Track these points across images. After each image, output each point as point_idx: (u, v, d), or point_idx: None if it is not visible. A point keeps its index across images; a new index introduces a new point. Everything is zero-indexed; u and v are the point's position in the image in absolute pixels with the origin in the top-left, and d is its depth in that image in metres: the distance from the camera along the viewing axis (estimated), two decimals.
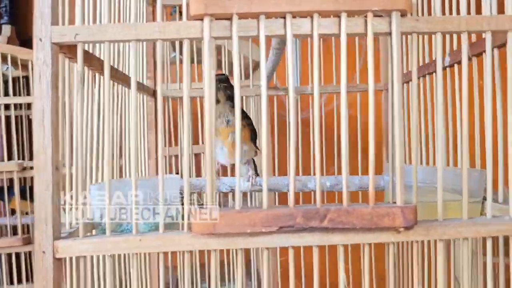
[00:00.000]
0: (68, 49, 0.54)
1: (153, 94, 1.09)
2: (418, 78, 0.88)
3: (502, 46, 0.59)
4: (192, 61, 1.65)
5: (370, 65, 0.49)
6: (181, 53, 1.49)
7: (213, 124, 0.50)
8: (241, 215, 0.48)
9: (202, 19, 0.49)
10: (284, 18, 0.49)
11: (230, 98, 0.86)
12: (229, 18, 0.49)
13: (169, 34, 0.50)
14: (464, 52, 0.53)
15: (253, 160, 0.98)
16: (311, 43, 1.16)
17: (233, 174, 1.05)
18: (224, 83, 0.85)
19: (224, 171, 1.06)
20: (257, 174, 0.98)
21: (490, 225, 0.52)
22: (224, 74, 0.89)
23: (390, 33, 0.50)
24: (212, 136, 0.50)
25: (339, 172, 1.15)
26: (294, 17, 0.49)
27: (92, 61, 0.60)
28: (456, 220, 0.53)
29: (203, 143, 1.03)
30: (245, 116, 0.87)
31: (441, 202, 0.53)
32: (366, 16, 0.49)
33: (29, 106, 1.53)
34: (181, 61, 1.63)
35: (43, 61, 0.50)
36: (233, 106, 0.86)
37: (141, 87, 1.03)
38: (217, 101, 0.86)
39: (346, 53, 0.50)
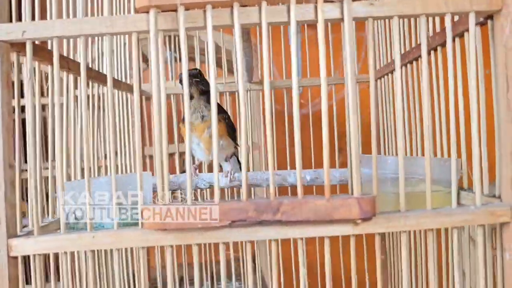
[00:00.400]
0: (22, 47, 0.53)
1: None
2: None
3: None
4: (193, 59, 1.64)
5: (322, 56, 0.48)
6: (175, 51, 1.49)
7: (163, 123, 0.49)
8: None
9: (149, 12, 0.48)
10: (232, 7, 0.48)
11: (204, 93, 0.85)
12: (176, 10, 0.48)
13: (117, 28, 0.49)
14: (423, 38, 0.51)
15: (236, 156, 0.96)
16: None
17: (211, 170, 1.04)
18: (196, 78, 0.84)
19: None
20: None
21: (454, 215, 0.50)
22: (196, 69, 0.88)
23: (342, 20, 0.48)
24: (163, 133, 0.49)
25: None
26: (242, 6, 0.48)
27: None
28: (419, 211, 0.51)
29: (181, 142, 1.03)
30: (221, 110, 0.86)
31: (403, 193, 0.51)
32: (316, 2, 0.48)
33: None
34: (176, 60, 1.63)
35: None
36: (208, 101, 0.85)
37: (124, 86, 1.03)
38: (191, 97, 0.85)
39: (297, 41, 0.48)
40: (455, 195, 0.52)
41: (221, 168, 0.99)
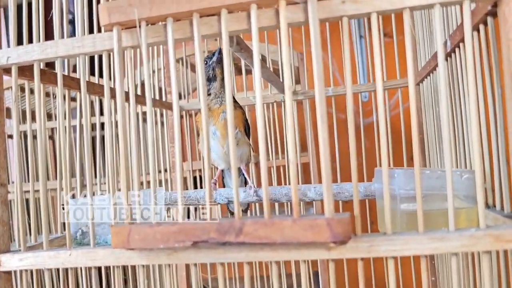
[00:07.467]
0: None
1: None
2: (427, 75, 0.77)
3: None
4: (240, 72, 1.65)
5: (286, 64, 0.44)
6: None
7: (134, 140, 0.49)
8: (152, 229, 0.46)
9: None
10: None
11: None
12: (139, 25, 0.48)
13: (87, 48, 0.50)
14: (407, 27, 0.44)
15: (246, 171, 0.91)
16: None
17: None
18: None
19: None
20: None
21: (449, 240, 0.43)
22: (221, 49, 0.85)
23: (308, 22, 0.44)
24: (128, 141, 0.49)
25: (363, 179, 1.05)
26: (201, 16, 0.46)
27: (51, 78, 0.62)
28: (407, 234, 0.44)
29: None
30: (238, 105, 0.85)
31: (389, 211, 0.45)
32: (278, 6, 0.44)
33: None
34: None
35: None
36: None
37: (157, 103, 1.06)
38: (215, 79, 0.84)
39: (257, 47, 0.45)
40: (451, 213, 0.44)
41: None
